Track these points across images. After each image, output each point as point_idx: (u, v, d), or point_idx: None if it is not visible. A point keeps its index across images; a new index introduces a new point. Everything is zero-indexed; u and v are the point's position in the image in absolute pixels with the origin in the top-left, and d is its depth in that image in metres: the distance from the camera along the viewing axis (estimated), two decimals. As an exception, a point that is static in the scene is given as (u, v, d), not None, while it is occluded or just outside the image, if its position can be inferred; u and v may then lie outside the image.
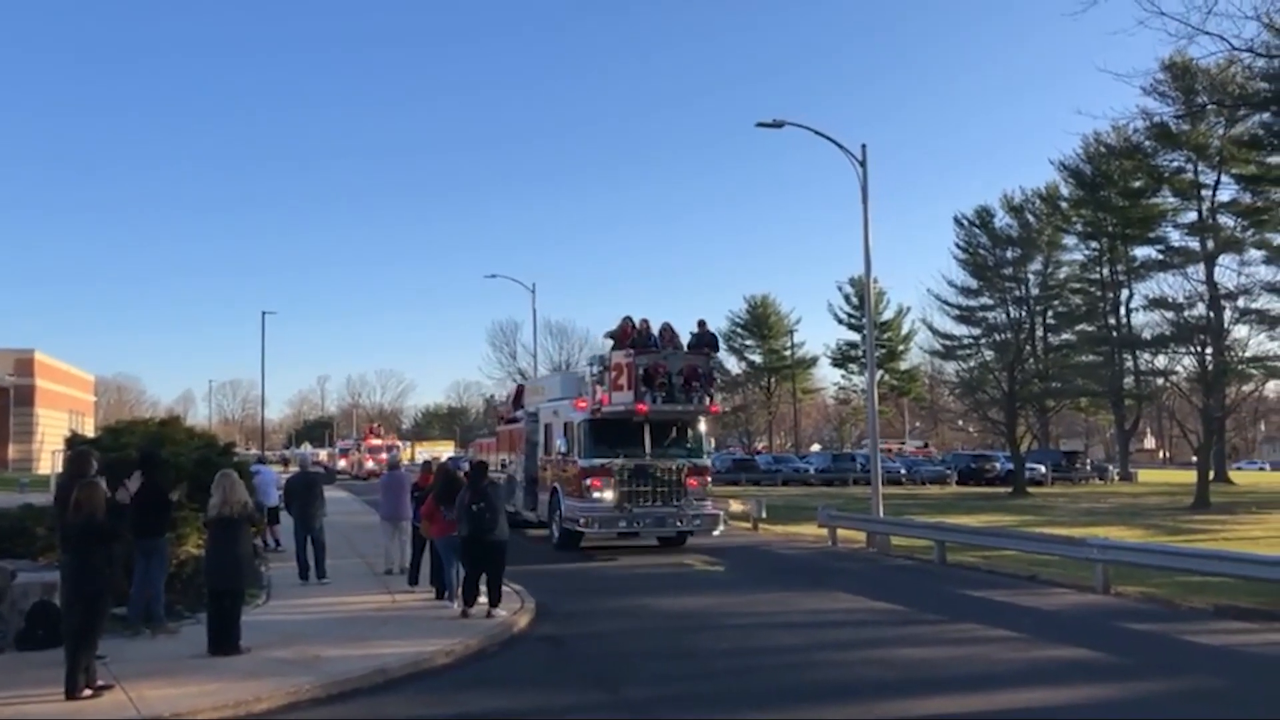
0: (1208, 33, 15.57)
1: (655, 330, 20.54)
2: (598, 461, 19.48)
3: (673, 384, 19.34)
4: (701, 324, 21.11)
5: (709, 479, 21.02)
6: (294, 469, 17.66)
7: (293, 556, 15.60)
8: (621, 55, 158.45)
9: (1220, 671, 10.06)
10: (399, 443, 69.99)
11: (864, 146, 24.41)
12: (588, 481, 19.40)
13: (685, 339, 20.74)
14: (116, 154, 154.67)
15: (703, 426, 20.97)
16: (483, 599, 12.32)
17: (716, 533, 20.33)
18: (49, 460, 49.83)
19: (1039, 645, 11.17)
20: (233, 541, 9.46)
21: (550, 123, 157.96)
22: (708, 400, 20.15)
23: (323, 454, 74.26)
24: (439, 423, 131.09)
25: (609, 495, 19.26)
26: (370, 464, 58.73)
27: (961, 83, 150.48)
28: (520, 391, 27.98)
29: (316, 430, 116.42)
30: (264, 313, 60.67)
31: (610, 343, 20.86)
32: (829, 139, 24.42)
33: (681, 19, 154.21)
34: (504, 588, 12.92)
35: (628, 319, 20.53)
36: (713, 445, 22.59)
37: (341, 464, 70.03)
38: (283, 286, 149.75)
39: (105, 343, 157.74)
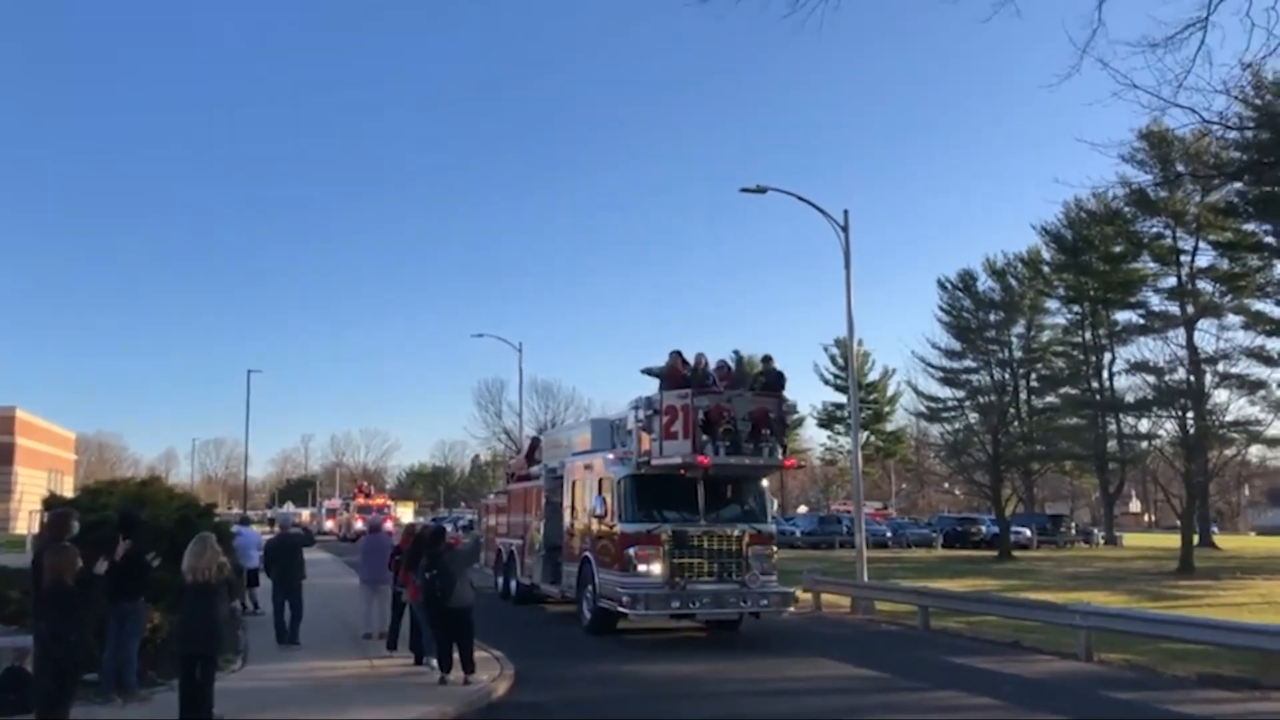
0: (1179, 105, 15.95)
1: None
2: (644, 527, 16.32)
3: (739, 431, 16.19)
4: (767, 360, 17.94)
5: (774, 548, 17.64)
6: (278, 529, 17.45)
7: (271, 620, 15.45)
8: (608, 116, 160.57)
9: (1202, 742, 10.02)
10: (390, 503, 68.65)
11: (846, 212, 24.86)
12: (631, 551, 16.11)
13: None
14: (97, 206, 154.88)
15: (765, 484, 18.04)
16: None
17: (786, 614, 17.36)
18: (26, 520, 49.25)
19: (1020, 714, 11.14)
20: (208, 606, 9.36)
21: (539, 184, 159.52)
22: (780, 452, 16.98)
23: (305, 514, 73.29)
24: (423, 482, 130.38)
25: (657, 568, 16.04)
26: (360, 524, 57.66)
27: (945, 149, 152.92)
28: (535, 445, 25.04)
29: (299, 489, 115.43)
30: (249, 371, 60.84)
31: (653, 381, 17.61)
32: (812, 204, 24.83)
33: (666, 82, 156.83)
34: (485, 653, 12.83)
35: (677, 354, 17.34)
36: (776, 507, 19.12)
37: (329, 524, 68.82)
38: (269, 344, 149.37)
39: (87, 399, 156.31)
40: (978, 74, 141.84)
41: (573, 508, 19.02)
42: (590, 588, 17.34)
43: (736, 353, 17.93)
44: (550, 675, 13.31)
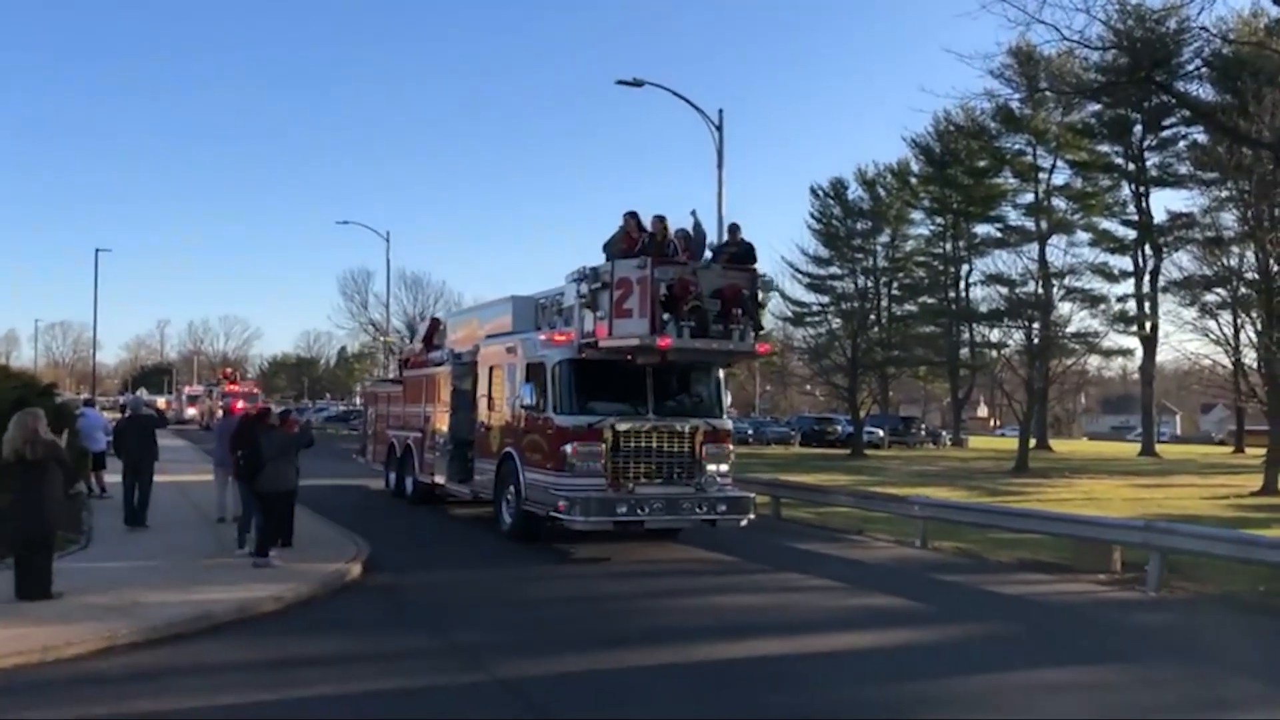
0: (1042, 21, 16.53)
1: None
2: (584, 420, 13.97)
3: (706, 310, 13.77)
4: (734, 229, 15.16)
5: (731, 446, 15.30)
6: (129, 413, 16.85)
7: (120, 504, 15.04)
8: (483, 6, 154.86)
9: (1015, 617, 10.90)
10: (258, 389, 66.92)
11: (720, 111, 24.88)
12: (568, 448, 13.79)
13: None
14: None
15: (722, 374, 15.73)
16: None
17: (745, 522, 14.62)
18: None
19: (855, 594, 11.88)
20: (38, 483, 9.02)
21: (408, 70, 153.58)
22: (752, 336, 14.47)
23: (161, 401, 70.70)
24: (286, 373, 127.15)
25: (599, 468, 13.82)
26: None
27: (819, 56, 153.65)
28: (435, 327, 22.46)
29: (155, 377, 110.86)
30: (97, 250, 57.49)
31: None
32: (687, 101, 24.78)
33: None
34: (347, 539, 12.92)
35: (631, 215, 14.67)
36: (729, 400, 16.31)
37: (191, 412, 67.12)
38: (121, 224, 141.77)
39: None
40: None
41: (489, 397, 16.72)
42: (513, 488, 15.20)
43: (694, 213, 14.92)
44: (414, 560, 13.43)
